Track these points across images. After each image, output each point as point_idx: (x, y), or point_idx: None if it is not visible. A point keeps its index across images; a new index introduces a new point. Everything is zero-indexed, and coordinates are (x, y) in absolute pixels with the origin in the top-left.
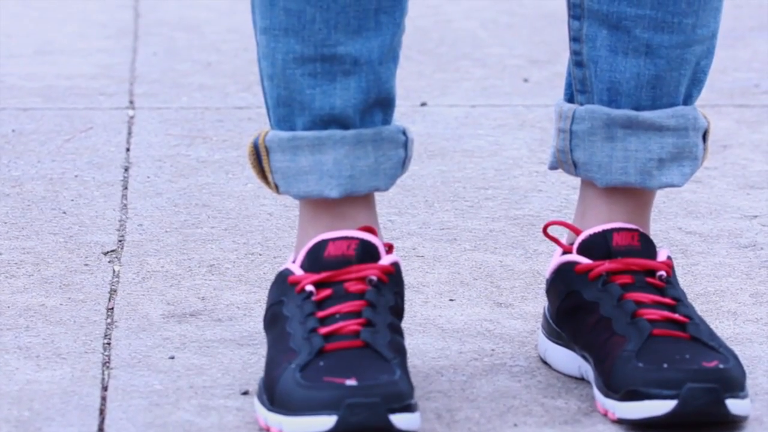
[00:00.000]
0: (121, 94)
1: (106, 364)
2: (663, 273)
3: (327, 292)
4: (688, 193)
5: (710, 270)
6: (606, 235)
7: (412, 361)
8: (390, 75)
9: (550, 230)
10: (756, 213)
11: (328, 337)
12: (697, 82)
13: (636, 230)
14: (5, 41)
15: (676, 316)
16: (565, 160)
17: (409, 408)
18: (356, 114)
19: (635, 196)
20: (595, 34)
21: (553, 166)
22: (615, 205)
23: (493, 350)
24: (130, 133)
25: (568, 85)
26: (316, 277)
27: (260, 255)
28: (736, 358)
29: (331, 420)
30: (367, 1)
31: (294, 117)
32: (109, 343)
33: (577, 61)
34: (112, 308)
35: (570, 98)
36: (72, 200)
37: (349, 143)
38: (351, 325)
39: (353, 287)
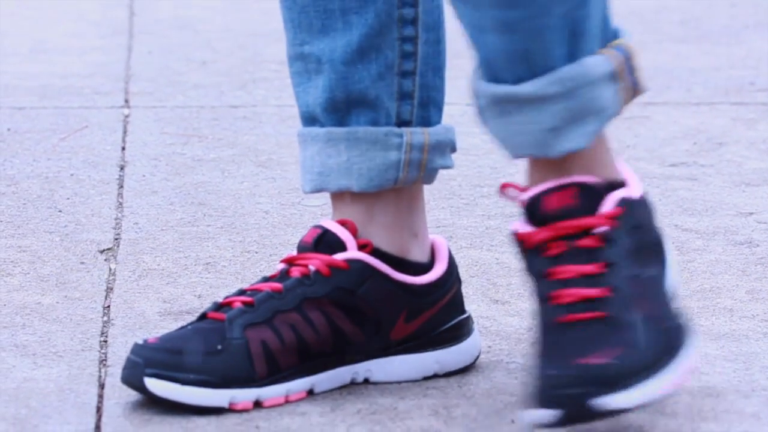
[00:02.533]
0: (117, 93)
1: (102, 361)
2: (603, 228)
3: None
4: (684, 190)
5: (706, 267)
6: (536, 200)
7: None
8: (364, 76)
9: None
10: (752, 210)
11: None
12: (578, 35)
13: (571, 185)
14: (0, 40)
15: (593, 291)
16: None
17: None
18: (323, 113)
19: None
20: (459, 12)
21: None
22: (546, 164)
23: (489, 347)
24: (125, 132)
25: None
26: (286, 257)
27: (256, 253)
28: (648, 336)
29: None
30: (329, 1)
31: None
32: (105, 341)
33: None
34: (109, 306)
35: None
36: (68, 198)
37: (321, 141)
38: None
39: (294, 272)
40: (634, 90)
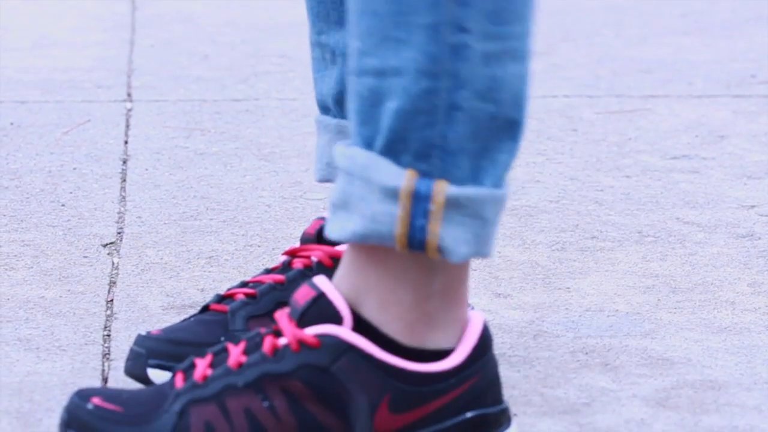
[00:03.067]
0: (119, 87)
1: (106, 355)
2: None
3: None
4: (686, 183)
5: (708, 260)
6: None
7: None
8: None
9: None
10: (753, 203)
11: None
12: (374, 124)
13: (317, 289)
14: (2, 35)
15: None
16: None
17: None
18: (335, 104)
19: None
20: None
21: None
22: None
23: None
24: (128, 126)
25: None
26: (288, 249)
27: (259, 246)
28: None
29: None
30: None
31: None
32: (108, 335)
33: None
34: (112, 300)
35: None
36: (71, 193)
37: (332, 131)
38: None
39: (296, 264)
40: (417, 238)
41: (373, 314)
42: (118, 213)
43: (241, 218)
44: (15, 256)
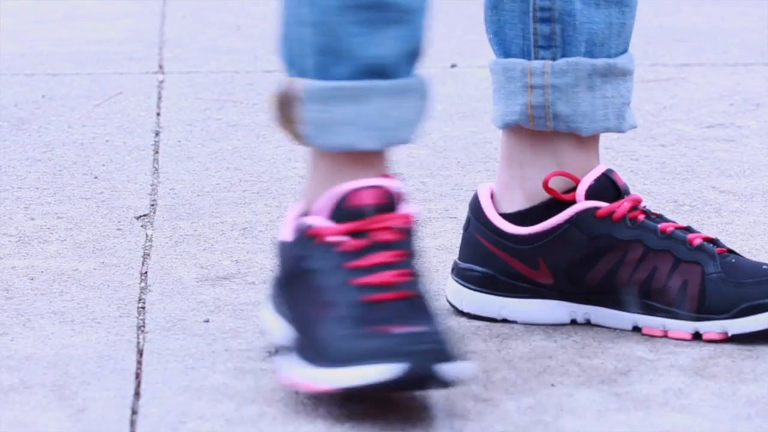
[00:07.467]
0: (151, 59)
1: (140, 328)
2: (644, 205)
3: (364, 241)
4: (721, 152)
5: (744, 228)
6: (609, 176)
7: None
8: (425, 24)
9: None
10: None
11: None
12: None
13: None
14: (33, 7)
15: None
16: (541, 115)
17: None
18: (398, 64)
19: (593, 141)
20: None
21: (508, 125)
22: (591, 150)
23: None
24: (160, 98)
25: (510, 43)
26: (348, 226)
27: None
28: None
29: (396, 368)
30: None
31: (335, 66)
32: (143, 307)
33: (545, 18)
34: (146, 272)
35: (522, 54)
36: (103, 165)
37: (391, 94)
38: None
39: (387, 236)
40: None
41: None
42: (151, 185)
43: (275, 189)
44: (48, 228)
